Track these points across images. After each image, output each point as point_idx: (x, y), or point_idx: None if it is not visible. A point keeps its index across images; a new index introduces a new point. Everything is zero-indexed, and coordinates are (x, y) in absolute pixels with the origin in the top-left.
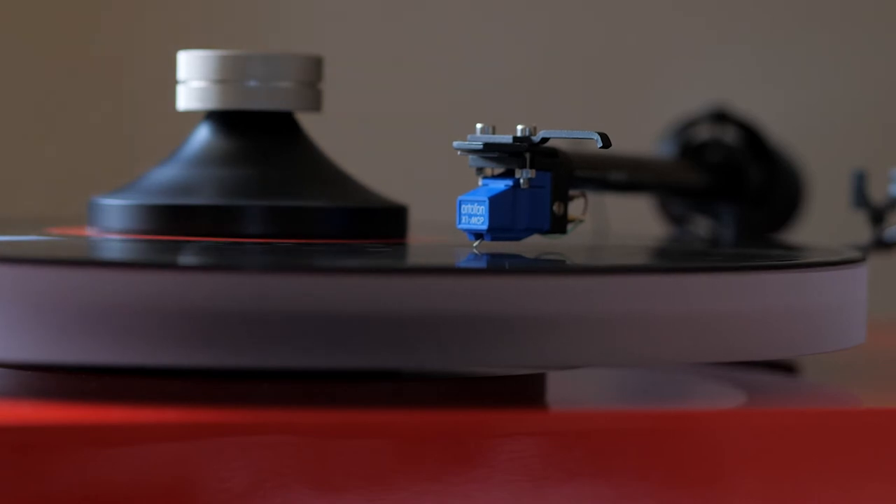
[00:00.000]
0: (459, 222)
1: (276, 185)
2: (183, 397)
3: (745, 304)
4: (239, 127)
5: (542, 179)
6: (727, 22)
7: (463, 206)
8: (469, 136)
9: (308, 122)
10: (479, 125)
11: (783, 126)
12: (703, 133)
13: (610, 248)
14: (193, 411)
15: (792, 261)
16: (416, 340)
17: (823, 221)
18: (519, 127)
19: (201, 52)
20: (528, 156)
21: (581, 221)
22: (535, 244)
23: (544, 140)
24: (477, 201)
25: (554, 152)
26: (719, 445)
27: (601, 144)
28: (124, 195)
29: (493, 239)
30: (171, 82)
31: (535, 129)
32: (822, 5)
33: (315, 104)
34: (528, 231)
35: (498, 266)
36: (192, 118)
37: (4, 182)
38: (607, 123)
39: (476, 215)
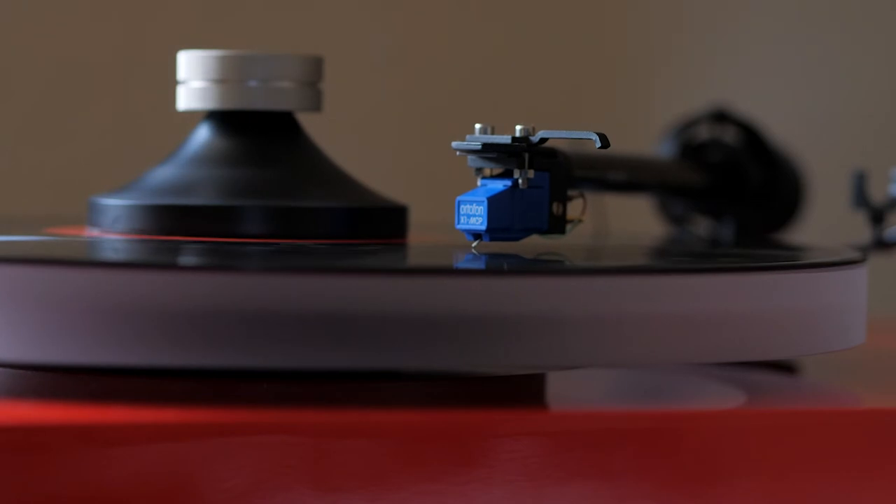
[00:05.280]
0: (458, 222)
1: (276, 185)
2: (183, 397)
3: (746, 304)
4: (239, 127)
5: (540, 179)
6: (727, 22)
7: (462, 206)
8: (468, 137)
9: (308, 122)
10: (477, 125)
11: (783, 126)
12: (703, 133)
13: (610, 248)
14: (193, 411)
15: (792, 261)
16: (416, 340)
17: (823, 221)
18: (518, 127)
19: (201, 52)
20: (526, 156)
21: (580, 221)
22: (534, 244)
23: (543, 140)
24: (476, 201)
25: (553, 152)
26: (719, 445)
27: (600, 144)
28: (124, 195)
29: (491, 239)
30: (171, 82)
31: (533, 129)
32: (822, 5)
33: (315, 104)
34: (527, 231)
35: (497, 266)
36: (192, 118)
37: (4, 182)
38: (607, 123)
39: (475, 215)
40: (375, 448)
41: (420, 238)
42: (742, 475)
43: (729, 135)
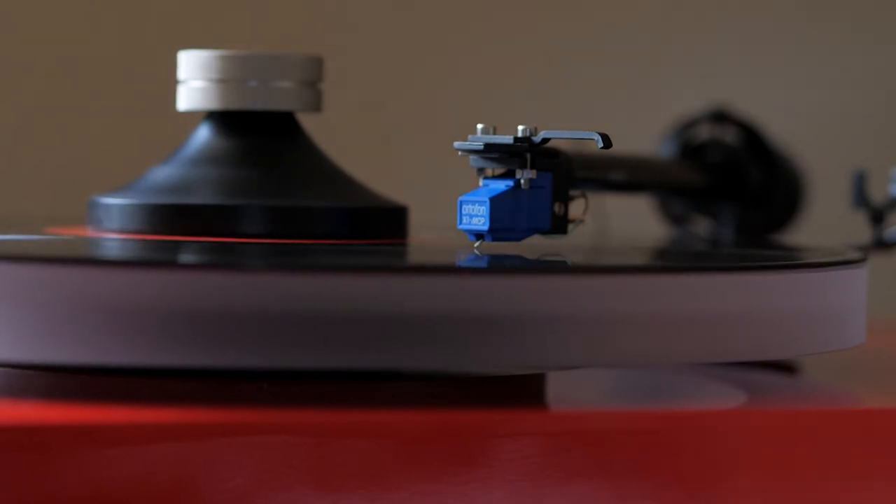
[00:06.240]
0: (460, 222)
1: (276, 185)
2: (183, 397)
3: (746, 304)
4: (239, 127)
5: (542, 180)
6: (727, 22)
7: (464, 206)
8: (470, 137)
9: (308, 122)
10: (479, 125)
11: (783, 126)
12: (703, 133)
13: (610, 248)
14: (193, 411)
15: (792, 261)
16: (416, 340)
17: (823, 221)
18: (520, 127)
19: (201, 52)
20: (528, 156)
21: (581, 222)
22: (535, 244)
23: (545, 140)
24: (478, 201)
25: (554, 152)
26: (719, 445)
27: (602, 144)
28: (124, 195)
29: (493, 239)
30: (171, 82)
31: (535, 129)
32: (822, 5)
33: (315, 104)
34: (529, 231)
35: (498, 266)
36: (192, 118)
37: (4, 182)
38: (607, 123)
39: (477, 215)
40: (375, 448)
41: (420, 238)
42: (742, 475)
43: (729, 135)
